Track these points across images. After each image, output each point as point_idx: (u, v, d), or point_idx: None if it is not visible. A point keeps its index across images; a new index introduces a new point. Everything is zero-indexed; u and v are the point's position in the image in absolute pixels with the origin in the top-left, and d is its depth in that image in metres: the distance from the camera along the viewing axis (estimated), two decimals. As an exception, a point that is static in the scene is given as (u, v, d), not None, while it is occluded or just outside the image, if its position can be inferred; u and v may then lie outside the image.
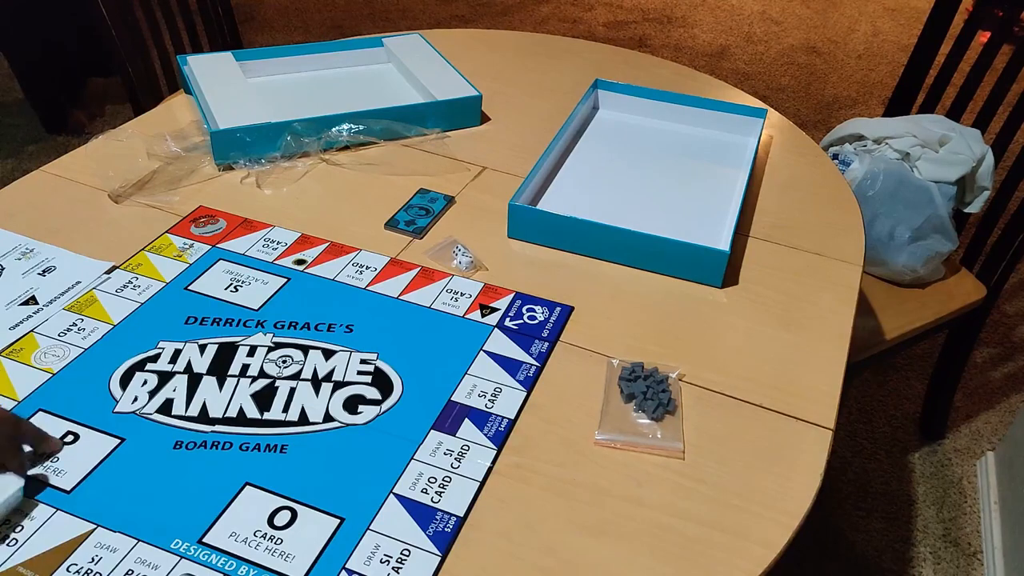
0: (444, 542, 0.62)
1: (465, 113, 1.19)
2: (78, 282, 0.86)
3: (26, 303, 0.83)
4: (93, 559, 0.60)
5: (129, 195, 1.00)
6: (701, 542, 0.63)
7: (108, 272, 0.88)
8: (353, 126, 1.10)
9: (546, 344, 0.81)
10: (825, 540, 1.53)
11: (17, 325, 0.80)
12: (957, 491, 1.63)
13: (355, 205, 1.02)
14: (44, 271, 0.88)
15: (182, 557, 0.60)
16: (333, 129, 1.10)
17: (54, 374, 0.75)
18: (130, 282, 0.87)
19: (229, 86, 1.16)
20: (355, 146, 1.12)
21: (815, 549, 1.50)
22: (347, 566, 0.60)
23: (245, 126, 1.05)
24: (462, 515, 0.64)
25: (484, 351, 0.80)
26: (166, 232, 0.95)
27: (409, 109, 1.15)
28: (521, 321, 0.84)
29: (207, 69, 1.19)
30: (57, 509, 0.63)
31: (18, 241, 0.92)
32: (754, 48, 3.39)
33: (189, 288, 0.86)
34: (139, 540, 0.61)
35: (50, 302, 0.83)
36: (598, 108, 1.25)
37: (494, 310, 0.85)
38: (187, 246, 0.93)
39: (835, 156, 1.44)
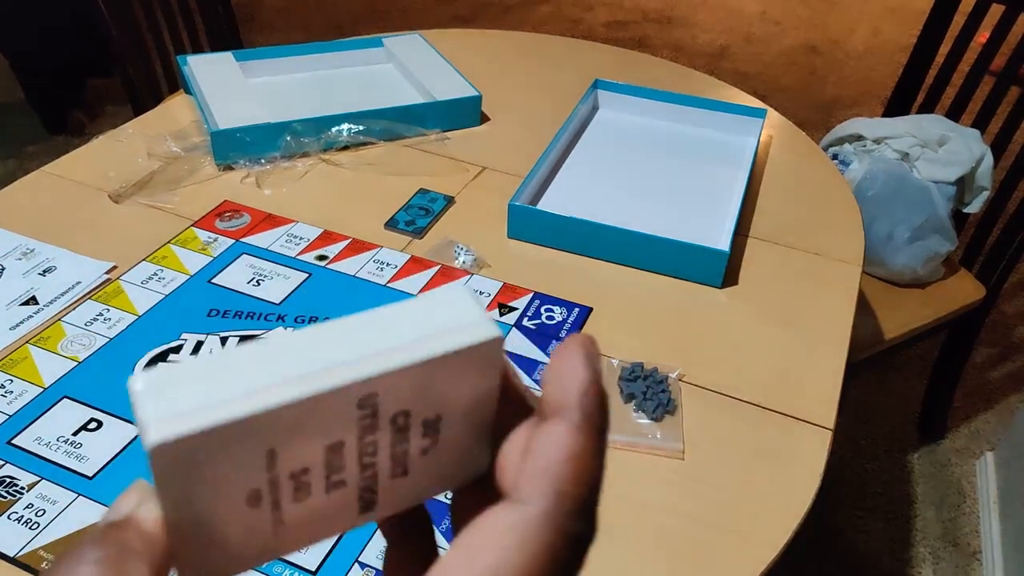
0: None
1: (465, 113, 1.19)
2: (78, 282, 0.86)
3: (26, 303, 0.83)
4: None
5: (129, 195, 1.00)
6: (701, 542, 0.63)
7: (108, 272, 0.88)
8: (353, 126, 1.10)
9: None
10: (825, 540, 1.53)
11: (17, 325, 0.80)
12: (956, 491, 1.63)
13: (355, 205, 1.02)
14: (44, 271, 0.88)
15: None
16: (333, 129, 1.10)
17: (80, 362, 0.76)
18: (155, 274, 0.88)
19: (229, 86, 1.16)
20: (355, 146, 1.12)
21: (815, 549, 1.50)
22: (360, 559, 0.61)
23: (245, 126, 1.05)
24: None
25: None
26: (191, 226, 0.96)
27: (409, 109, 1.15)
28: (539, 321, 0.84)
29: (207, 69, 1.19)
30: (79, 494, 0.64)
31: (18, 241, 0.92)
32: (754, 48, 3.39)
33: (212, 281, 0.87)
34: None
35: (50, 302, 0.83)
36: (598, 108, 1.25)
37: (512, 309, 0.86)
38: (212, 240, 0.94)
39: (835, 156, 1.44)
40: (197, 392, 0.19)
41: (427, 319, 0.22)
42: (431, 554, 0.19)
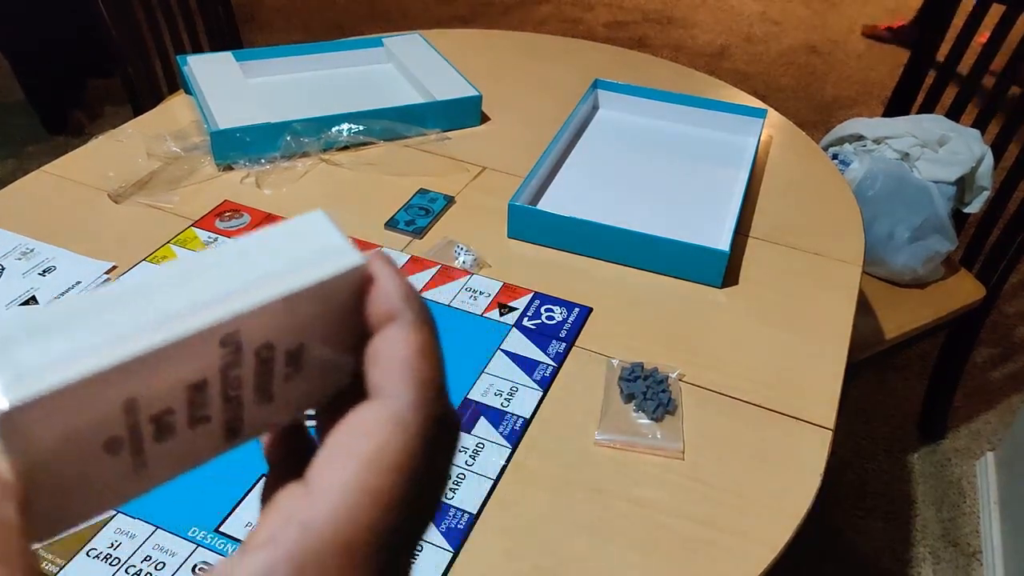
0: (457, 539, 0.62)
1: (465, 113, 1.19)
2: (78, 282, 0.86)
3: (26, 303, 0.83)
4: (112, 544, 0.61)
5: (129, 195, 1.00)
6: (701, 542, 0.63)
7: (108, 272, 0.88)
8: (353, 126, 1.10)
9: (563, 344, 0.81)
10: (825, 540, 1.53)
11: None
12: (956, 491, 1.63)
13: (355, 205, 1.02)
14: (44, 271, 0.88)
15: (199, 545, 0.61)
16: (333, 129, 1.10)
17: None
18: None
19: (229, 86, 1.16)
20: (355, 146, 1.12)
21: (815, 549, 1.50)
22: None
23: (245, 126, 1.05)
24: (475, 512, 0.64)
25: (501, 350, 0.80)
26: (191, 226, 0.96)
27: (409, 109, 1.15)
28: (539, 321, 0.84)
29: (207, 69, 1.19)
30: None
31: (18, 241, 0.92)
32: (754, 48, 3.39)
33: None
34: (157, 527, 0.62)
35: (50, 302, 0.83)
36: (598, 108, 1.25)
37: (512, 309, 0.86)
38: (212, 240, 0.94)
39: (835, 156, 1.44)
40: (46, 347, 0.18)
41: (290, 249, 0.21)
42: None
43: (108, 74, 2.71)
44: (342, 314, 0.22)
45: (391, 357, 0.21)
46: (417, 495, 0.20)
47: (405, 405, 0.20)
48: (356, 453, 0.19)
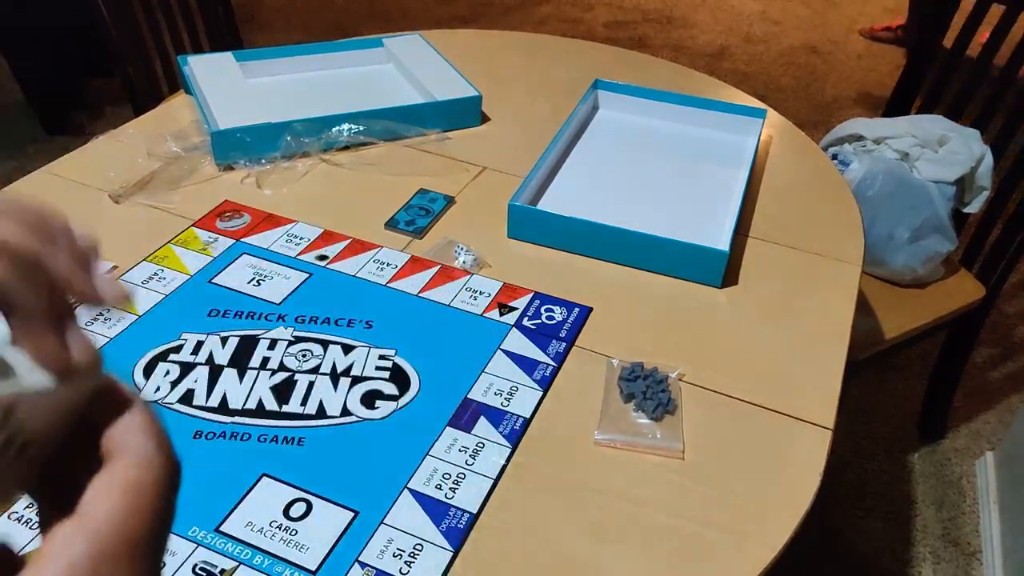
0: (457, 538, 0.62)
1: (465, 113, 1.19)
2: (78, 282, 0.86)
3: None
4: None
5: (129, 195, 1.00)
6: (701, 542, 0.64)
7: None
8: (353, 126, 1.10)
9: (563, 344, 0.81)
10: (825, 540, 1.53)
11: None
12: (956, 491, 1.63)
13: (355, 205, 1.02)
14: (44, 271, 0.88)
15: (199, 544, 0.61)
16: (333, 129, 1.10)
17: None
18: (155, 274, 0.88)
19: (229, 86, 1.16)
20: (355, 146, 1.12)
21: (815, 549, 1.50)
22: (360, 559, 0.61)
23: (245, 126, 1.05)
24: (475, 512, 0.64)
25: (501, 350, 0.80)
26: (191, 226, 0.96)
27: (409, 109, 1.15)
28: (539, 321, 0.84)
29: (207, 69, 1.19)
30: None
31: (18, 241, 0.92)
32: (754, 48, 3.39)
33: (213, 281, 0.87)
34: None
35: (50, 302, 0.83)
36: (598, 108, 1.25)
37: (512, 309, 0.86)
38: (212, 240, 0.94)
39: (835, 156, 1.44)
40: None
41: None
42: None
43: (108, 74, 2.71)
44: (68, 417, 0.27)
45: (131, 427, 0.27)
46: (165, 510, 0.27)
47: (150, 451, 0.27)
48: (120, 482, 0.26)
